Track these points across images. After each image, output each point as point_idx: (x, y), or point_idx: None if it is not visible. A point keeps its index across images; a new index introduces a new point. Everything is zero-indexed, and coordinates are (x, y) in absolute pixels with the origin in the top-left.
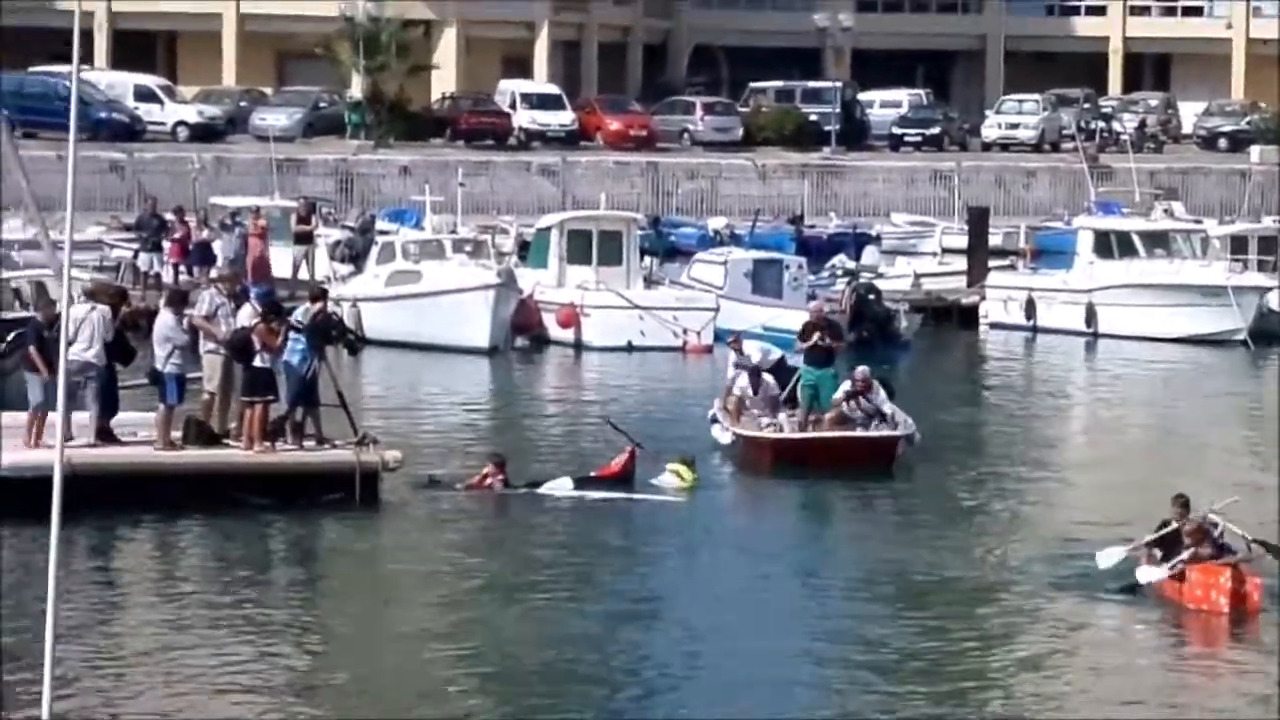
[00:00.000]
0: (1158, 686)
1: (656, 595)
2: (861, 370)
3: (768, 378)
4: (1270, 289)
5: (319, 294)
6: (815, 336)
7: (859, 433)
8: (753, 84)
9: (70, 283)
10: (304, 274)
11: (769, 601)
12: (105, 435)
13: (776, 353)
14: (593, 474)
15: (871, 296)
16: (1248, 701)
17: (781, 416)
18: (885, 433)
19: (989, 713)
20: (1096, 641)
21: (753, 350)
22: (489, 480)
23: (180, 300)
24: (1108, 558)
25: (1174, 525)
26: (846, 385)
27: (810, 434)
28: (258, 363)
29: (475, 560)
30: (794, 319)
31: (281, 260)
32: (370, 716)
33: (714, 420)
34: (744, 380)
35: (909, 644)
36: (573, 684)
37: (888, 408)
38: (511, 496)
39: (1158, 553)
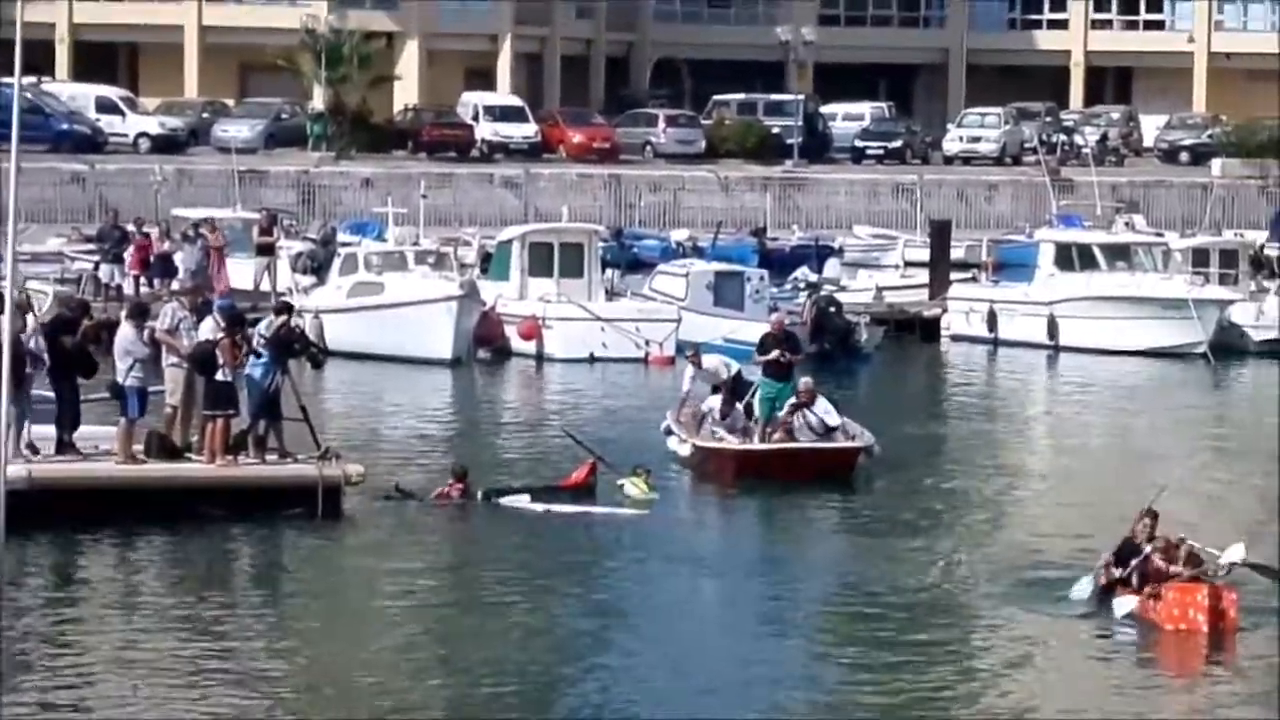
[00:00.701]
0: (1135, 709)
1: (618, 610)
2: (805, 382)
3: (739, 407)
4: (1231, 302)
5: (284, 308)
6: (775, 353)
7: (820, 444)
8: (715, 97)
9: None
10: (265, 286)
11: (730, 615)
12: (66, 448)
13: (735, 365)
14: (553, 484)
15: (832, 309)
16: None
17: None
18: (846, 444)
19: None
20: (1067, 660)
21: (712, 362)
22: (450, 492)
23: (141, 313)
24: (1081, 590)
25: (1138, 540)
26: (791, 400)
27: (772, 445)
28: (220, 376)
29: (436, 575)
30: (755, 331)
31: (243, 272)
32: None
33: (668, 432)
34: (716, 401)
35: (868, 661)
36: (532, 698)
37: (834, 419)
38: (473, 510)
39: (1116, 572)
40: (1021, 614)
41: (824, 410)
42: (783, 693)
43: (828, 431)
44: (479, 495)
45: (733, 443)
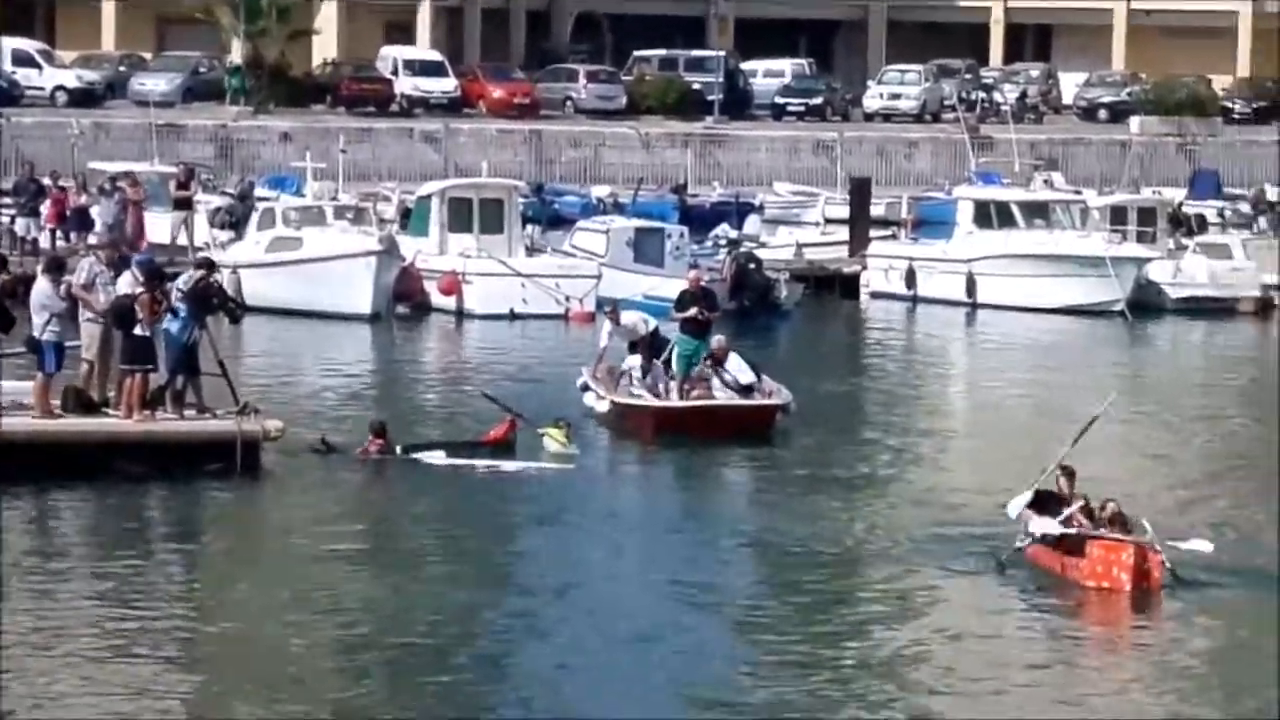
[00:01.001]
0: (1053, 667)
1: (534, 566)
2: (718, 339)
3: (658, 364)
4: (1149, 260)
5: (206, 264)
6: (693, 310)
7: (739, 401)
8: (636, 52)
9: None
10: (183, 240)
11: (647, 571)
12: None
13: (653, 322)
14: (473, 440)
15: (752, 266)
16: (1154, 683)
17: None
18: (764, 402)
19: (876, 696)
20: (983, 616)
21: (630, 318)
22: (370, 448)
23: (58, 267)
24: (1016, 506)
25: (1060, 491)
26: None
27: (690, 403)
28: (138, 331)
29: (354, 530)
30: (675, 288)
31: (160, 226)
32: (248, 685)
33: (584, 388)
34: (636, 360)
35: (784, 614)
36: (446, 652)
37: (746, 377)
38: (394, 465)
39: (1036, 517)
40: (938, 569)
41: (737, 368)
42: (697, 651)
43: (746, 389)
44: (398, 450)
45: (650, 400)
